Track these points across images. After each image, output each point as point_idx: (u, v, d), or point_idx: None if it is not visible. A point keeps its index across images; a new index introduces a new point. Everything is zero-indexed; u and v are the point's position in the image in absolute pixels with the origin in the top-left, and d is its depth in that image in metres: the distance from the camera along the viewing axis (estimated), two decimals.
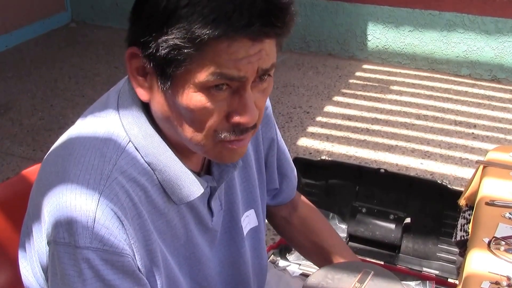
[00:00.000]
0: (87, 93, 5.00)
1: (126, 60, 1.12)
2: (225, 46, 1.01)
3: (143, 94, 1.13)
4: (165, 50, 1.03)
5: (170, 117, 1.12)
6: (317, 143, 4.19)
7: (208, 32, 0.99)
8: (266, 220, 1.60)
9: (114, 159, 1.11)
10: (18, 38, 6.17)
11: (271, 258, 2.61)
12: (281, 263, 2.63)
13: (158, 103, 1.12)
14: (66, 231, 1.05)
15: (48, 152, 1.20)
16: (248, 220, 1.46)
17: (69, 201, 1.06)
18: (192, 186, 1.19)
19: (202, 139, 1.11)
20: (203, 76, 1.03)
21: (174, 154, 1.17)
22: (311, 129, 4.40)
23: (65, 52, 6.00)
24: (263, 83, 1.12)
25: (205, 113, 1.07)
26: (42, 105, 4.84)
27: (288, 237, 1.75)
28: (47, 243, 1.10)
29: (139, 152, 1.15)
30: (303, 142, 4.21)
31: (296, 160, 2.82)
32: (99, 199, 1.06)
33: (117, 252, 1.07)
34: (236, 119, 1.09)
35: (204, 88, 1.05)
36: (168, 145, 1.17)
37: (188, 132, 1.11)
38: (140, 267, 1.12)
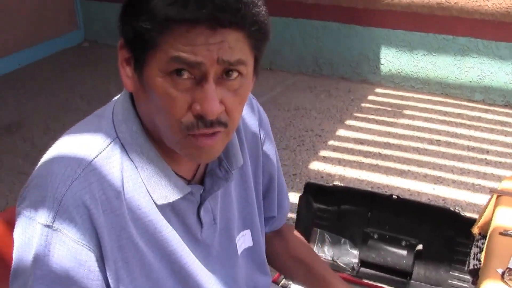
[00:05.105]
0: None
1: (118, 51, 1.17)
2: (184, 31, 1.05)
3: (127, 84, 1.18)
4: (134, 34, 1.09)
5: (147, 108, 1.17)
6: (329, 167, 4.17)
7: (165, 13, 1.03)
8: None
9: (96, 153, 1.15)
10: (31, 57, 6.22)
11: (282, 282, 2.59)
12: (294, 287, 2.62)
13: (137, 94, 1.17)
14: (33, 207, 1.11)
15: None
16: (243, 240, 1.48)
17: (44, 182, 1.11)
18: (172, 188, 1.21)
19: (169, 129, 1.13)
20: (163, 60, 1.07)
21: (157, 154, 1.21)
22: (323, 152, 4.38)
23: (78, 71, 6.03)
24: (233, 82, 1.13)
25: (168, 100, 1.10)
26: (54, 124, 4.86)
27: (270, 259, 1.74)
28: (16, 213, 1.15)
29: (124, 149, 1.19)
30: (315, 165, 4.19)
31: (308, 185, 2.83)
32: (70, 186, 1.10)
33: (74, 239, 1.10)
34: (197, 109, 1.10)
35: (166, 73, 1.09)
36: (153, 145, 1.20)
37: (159, 122, 1.14)
38: (105, 260, 1.14)
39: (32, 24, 6.18)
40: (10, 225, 1.33)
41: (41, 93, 5.50)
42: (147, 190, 1.19)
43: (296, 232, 1.78)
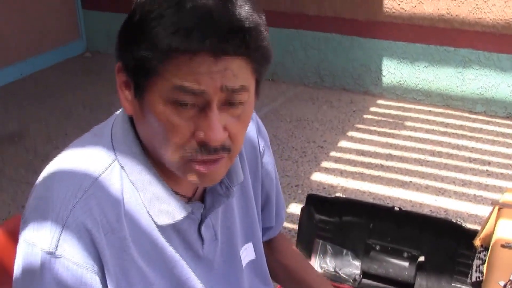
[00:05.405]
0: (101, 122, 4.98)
1: (115, 74, 1.16)
2: (187, 60, 1.03)
3: (127, 108, 1.17)
4: (134, 62, 1.07)
5: (147, 132, 1.15)
6: (331, 178, 4.18)
7: (168, 43, 1.02)
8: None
9: (96, 175, 1.14)
10: (33, 67, 6.23)
11: None
12: None
13: (137, 117, 1.16)
14: (34, 232, 1.10)
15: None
16: (246, 253, 1.47)
17: (45, 205, 1.11)
18: (172, 209, 1.20)
19: (171, 154, 1.12)
20: (166, 89, 1.06)
21: (157, 175, 1.19)
22: (325, 164, 4.38)
23: (80, 81, 6.05)
24: (236, 109, 1.12)
25: (171, 128, 1.09)
26: (56, 133, 4.87)
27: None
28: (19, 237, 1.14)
29: (124, 170, 1.18)
30: (317, 177, 4.19)
31: (310, 197, 2.82)
32: (71, 211, 1.09)
33: (78, 263, 1.10)
34: (201, 136, 1.09)
35: (169, 102, 1.07)
36: (152, 165, 1.19)
37: (160, 147, 1.13)
38: (108, 282, 1.14)
39: (34, 34, 6.20)
40: (13, 234, 1.33)
41: (43, 103, 5.51)
42: (148, 211, 1.19)
43: (289, 241, 1.78)
